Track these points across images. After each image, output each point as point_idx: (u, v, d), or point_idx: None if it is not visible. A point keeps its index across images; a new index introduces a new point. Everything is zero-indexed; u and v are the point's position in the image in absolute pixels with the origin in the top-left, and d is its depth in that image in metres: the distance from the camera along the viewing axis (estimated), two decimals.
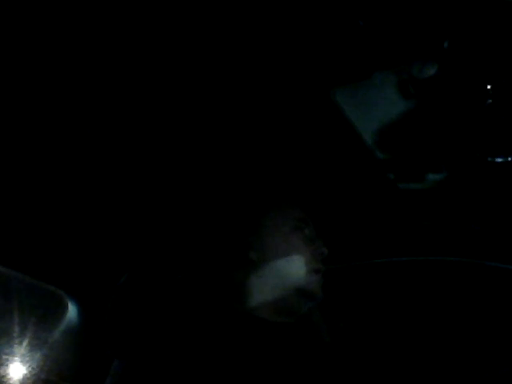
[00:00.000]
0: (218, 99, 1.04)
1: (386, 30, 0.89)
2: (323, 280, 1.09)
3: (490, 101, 0.97)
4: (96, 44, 0.90)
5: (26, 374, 1.06)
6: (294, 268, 1.06)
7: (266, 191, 1.22)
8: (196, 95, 1.03)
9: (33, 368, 1.07)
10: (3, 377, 1.05)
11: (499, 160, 1.09)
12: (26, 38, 0.87)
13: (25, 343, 1.05)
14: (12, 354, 1.05)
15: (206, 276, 1.17)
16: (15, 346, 1.05)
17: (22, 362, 1.06)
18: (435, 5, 0.85)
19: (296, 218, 1.11)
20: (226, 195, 1.23)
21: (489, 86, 0.96)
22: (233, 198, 1.22)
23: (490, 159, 1.09)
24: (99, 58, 0.93)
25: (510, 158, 1.08)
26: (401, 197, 1.30)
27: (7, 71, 0.92)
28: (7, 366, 1.05)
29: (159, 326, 1.09)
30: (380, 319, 1.42)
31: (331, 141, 1.15)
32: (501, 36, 0.88)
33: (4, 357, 1.04)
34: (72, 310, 1.12)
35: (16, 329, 1.04)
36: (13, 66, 0.92)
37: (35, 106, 0.99)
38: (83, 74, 0.95)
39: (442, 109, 1.03)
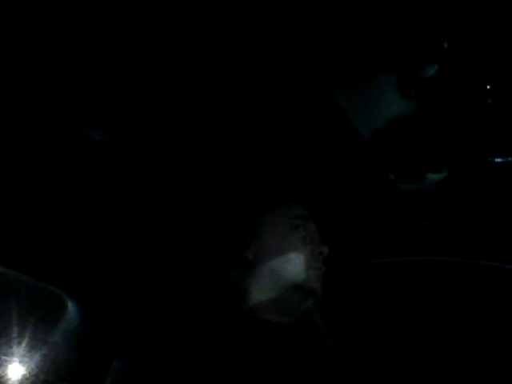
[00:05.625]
0: (218, 99, 1.04)
1: (386, 30, 0.89)
2: (322, 277, 1.09)
3: (490, 101, 0.98)
4: (96, 44, 0.90)
5: (25, 375, 1.06)
6: (291, 266, 1.06)
7: (264, 189, 1.22)
8: (195, 95, 1.03)
9: (32, 368, 1.06)
10: (2, 377, 1.04)
11: (499, 160, 1.09)
12: (26, 38, 0.87)
13: (24, 343, 1.05)
14: (11, 354, 1.04)
15: (206, 275, 1.17)
16: (14, 346, 1.04)
17: (21, 362, 1.06)
18: (435, 5, 0.85)
19: (295, 216, 1.11)
20: (223, 193, 1.23)
21: (489, 86, 0.96)
22: (231, 196, 1.22)
23: (489, 159, 1.09)
24: (99, 58, 0.93)
25: (510, 158, 1.08)
26: (401, 197, 1.30)
27: (7, 71, 0.92)
28: (6, 366, 1.05)
29: (159, 325, 1.09)
30: (380, 320, 1.42)
31: (331, 140, 1.15)
32: (501, 36, 0.88)
33: (3, 357, 1.04)
34: (72, 310, 1.12)
35: (15, 329, 1.04)
36: (13, 66, 0.92)
37: (35, 105, 0.99)
38: (83, 74, 0.95)
39: (442, 109, 1.03)
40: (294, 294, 1.06)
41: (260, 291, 1.06)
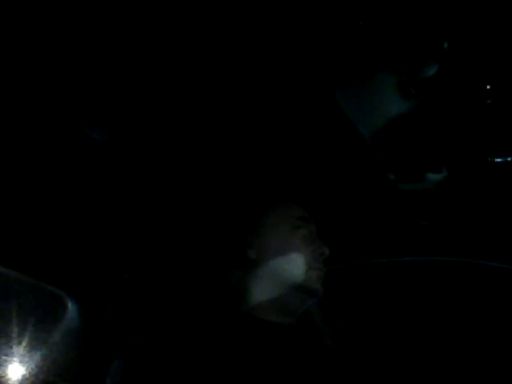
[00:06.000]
0: (218, 99, 1.04)
1: (385, 30, 0.89)
2: (323, 278, 1.09)
3: (490, 101, 0.98)
4: (96, 44, 0.90)
5: (25, 375, 1.06)
6: (293, 266, 1.06)
7: (266, 190, 1.22)
8: (196, 95, 1.03)
9: (32, 368, 1.06)
10: (2, 377, 1.04)
11: (499, 160, 1.09)
12: (26, 38, 0.87)
13: (24, 343, 1.05)
14: (11, 354, 1.04)
15: (206, 275, 1.17)
16: (14, 346, 1.04)
17: (21, 362, 1.06)
18: (435, 5, 0.85)
19: (296, 216, 1.11)
20: (225, 193, 1.23)
21: (489, 86, 0.96)
22: (232, 196, 1.22)
23: (489, 159, 1.10)
24: (99, 58, 0.93)
25: (509, 158, 1.08)
26: (401, 197, 1.30)
27: (7, 71, 0.92)
28: (6, 366, 1.05)
29: (159, 325, 1.09)
30: (380, 320, 1.42)
31: (332, 141, 1.15)
32: (501, 36, 0.88)
33: (3, 357, 1.04)
34: (72, 310, 1.12)
35: (15, 329, 1.04)
36: (13, 66, 0.92)
37: (35, 105, 0.99)
38: (83, 74, 0.95)
39: (442, 109, 1.03)
40: (295, 294, 1.06)
41: (261, 291, 1.06)
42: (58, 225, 1.13)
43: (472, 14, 0.85)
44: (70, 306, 1.12)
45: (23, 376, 1.06)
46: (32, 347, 1.06)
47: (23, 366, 1.06)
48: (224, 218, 1.17)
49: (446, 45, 0.90)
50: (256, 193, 1.21)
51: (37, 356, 1.07)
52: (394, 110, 1.05)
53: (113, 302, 1.16)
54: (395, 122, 1.07)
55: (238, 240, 1.09)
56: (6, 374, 1.05)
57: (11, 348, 1.04)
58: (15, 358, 1.05)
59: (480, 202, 1.30)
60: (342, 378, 1.03)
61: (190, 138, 1.13)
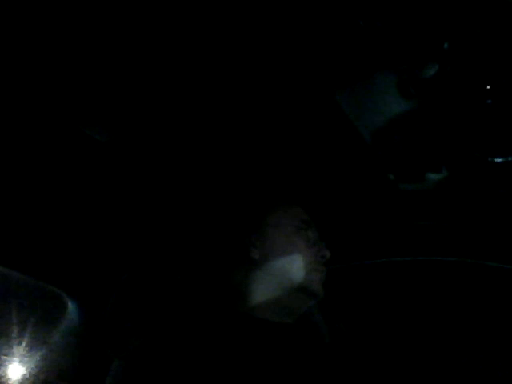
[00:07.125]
0: (220, 99, 1.04)
1: (386, 30, 0.89)
2: (324, 279, 1.10)
3: (490, 101, 0.98)
4: (96, 44, 0.90)
5: (25, 375, 1.06)
6: (295, 267, 1.07)
7: (270, 190, 1.22)
8: (198, 94, 1.03)
9: (32, 368, 1.06)
10: (2, 377, 1.04)
11: (499, 160, 1.09)
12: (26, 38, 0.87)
13: (24, 343, 1.05)
14: (11, 354, 1.04)
15: (207, 275, 1.17)
16: (14, 346, 1.04)
17: (21, 362, 1.06)
18: (435, 5, 0.85)
19: (300, 219, 1.12)
20: (229, 193, 1.24)
21: (489, 86, 0.96)
22: (235, 195, 1.22)
23: (490, 159, 1.10)
24: (100, 58, 0.93)
25: (510, 158, 1.08)
26: (401, 197, 1.30)
27: (7, 71, 0.92)
28: (6, 366, 1.05)
29: (159, 325, 1.09)
30: (379, 319, 1.42)
31: (332, 141, 1.16)
32: (501, 36, 0.88)
33: (3, 357, 1.04)
34: (72, 310, 1.12)
35: (15, 329, 1.04)
36: (13, 66, 0.92)
37: (35, 106, 0.99)
38: (83, 74, 0.95)
39: (442, 109, 1.03)
40: (297, 295, 1.07)
41: (263, 291, 1.06)
42: (58, 225, 1.13)
43: (472, 13, 0.85)
44: (70, 305, 1.12)
45: (23, 376, 1.06)
46: (32, 347, 1.06)
47: (23, 366, 1.06)
48: (228, 218, 1.17)
49: (446, 45, 0.90)
50: (260, 193, 1.21)
51: (37, 356, 1.07)
52: (394, 110, 1.05)
53: (113, 301, 1.16)
54: (395, 122, 1.08)
55: (242, 239, 1.10)
56: (6, 374, 1.05)
57: (11, 348, 1.04)
58: (15, 358, 1.05)
59: (480, 202, 1.30)
60: (341, 378, 1.04)
61: (193, 137, 1.13)
